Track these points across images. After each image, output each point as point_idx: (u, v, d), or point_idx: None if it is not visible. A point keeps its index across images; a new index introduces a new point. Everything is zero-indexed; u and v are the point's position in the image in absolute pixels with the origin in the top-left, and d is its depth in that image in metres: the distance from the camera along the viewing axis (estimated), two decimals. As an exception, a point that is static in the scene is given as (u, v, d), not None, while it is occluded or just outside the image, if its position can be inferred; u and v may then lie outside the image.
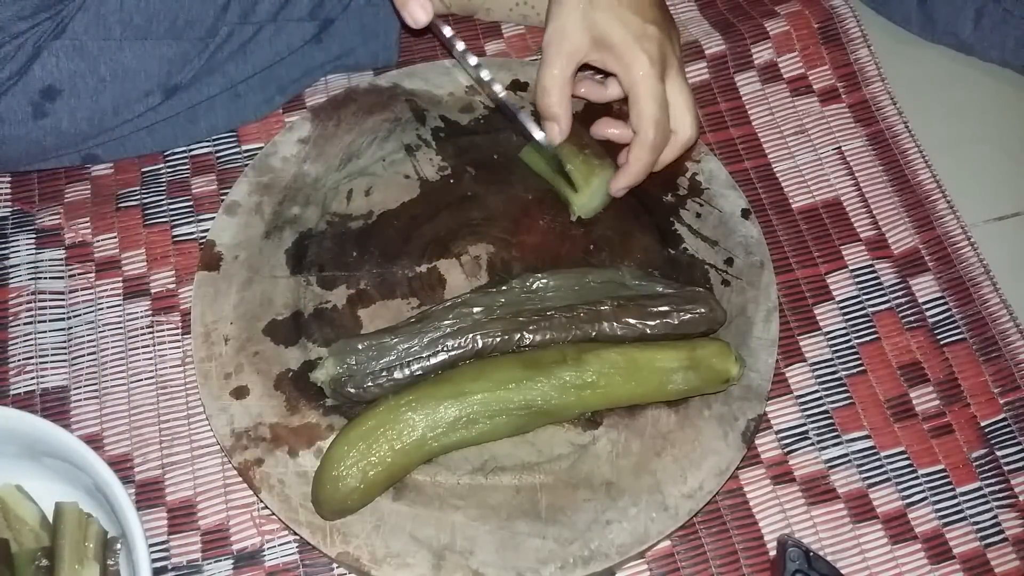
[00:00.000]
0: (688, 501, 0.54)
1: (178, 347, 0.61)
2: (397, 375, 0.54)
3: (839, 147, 0.71)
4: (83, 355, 0.61)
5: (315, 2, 0.64)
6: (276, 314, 0.59)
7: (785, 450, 0.59)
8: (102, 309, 0.62)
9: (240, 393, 0.56)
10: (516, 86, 0.69)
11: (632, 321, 0.56)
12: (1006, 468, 0.60)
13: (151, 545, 0.55)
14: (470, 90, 0.68)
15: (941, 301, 0.65)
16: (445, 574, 0.51)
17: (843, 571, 0.54)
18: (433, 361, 0.54)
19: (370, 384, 0.54)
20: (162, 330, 0.62)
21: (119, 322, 0.62)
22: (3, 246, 0.64)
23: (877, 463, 0.59)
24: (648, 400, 0.56)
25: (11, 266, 0.63)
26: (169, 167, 0.67)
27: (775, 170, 0.69)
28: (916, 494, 0.59)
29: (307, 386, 0.56)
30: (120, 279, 0.63)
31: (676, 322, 0.56)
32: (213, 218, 0.63)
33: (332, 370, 0.54)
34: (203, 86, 0.64)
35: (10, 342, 0.61)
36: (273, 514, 0.54)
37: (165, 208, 0.66)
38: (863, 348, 0.63)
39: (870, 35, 0.76)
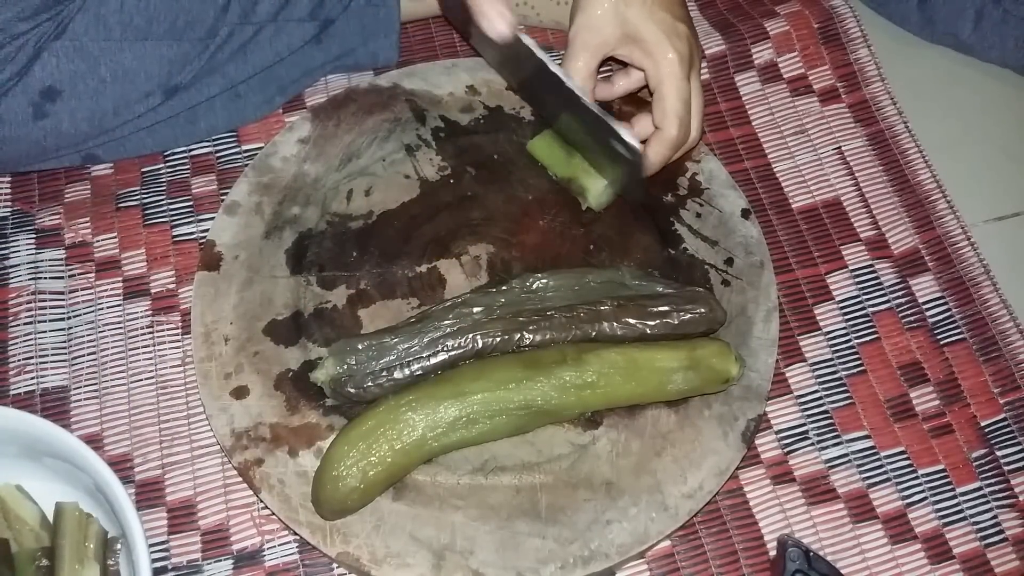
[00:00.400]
0: (688, 501, 0.54)
1: (178, 347, 0.61)
2: (397, 375, 0.54)
3: (839, 147, 0.71)
4: (83, 355, 0.61)
5: (315, 2, 0.64)
6: (276, 314, 0.59)
7: (785, 450, 0.59)
8: (102, 309, 0.62)
9: (240, 393, 0.56)
10: (516, 86, 0.69)
11: (632, 321, 0.56)
12: (1006, 468, 0.60)
13: (151, 545, 0.55)
14: (470, 90, 0.68)
15: (941, 301, 0.65)
16: (445, 574, 0.51)
17: (843, 571, 0.54)
18: (433, 361, 0.54)
19: (370, 384, 0.54)
20: (162, 330, 0.62)
21: (119, 322, 0.62)
22: (3, 246, 0.64)
23: (877, 463, 0.59)
24: (648, 400, 0.56)
25: (11, 266, 0.63)
26: (169, 167, 0.67)
27: (775, 170, 0.70)
28: (916, 494, 0.59)
29: (307, 386, 0.56)
30: (120, 279, 0.63)
31: (676, 322, 0.56)
32: (213, 218, 0.63)
33: (332, 370, 0.54)
34: (203, 86, 0.64)
35: (10, 342, 0.61)
36: (273, 514, 0.54)
37: (165, 208, 0.66)
38: (863, 348, 0.63)
39: (870, 35, 0.76)
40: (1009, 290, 0.66)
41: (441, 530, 0.53)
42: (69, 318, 0.62)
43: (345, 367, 0.54)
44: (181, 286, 0.63)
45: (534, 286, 0.57)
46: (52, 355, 0.61)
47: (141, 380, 0.60)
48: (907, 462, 0.60)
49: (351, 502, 0.50)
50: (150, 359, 0.61)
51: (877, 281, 0.65)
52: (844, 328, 0.64)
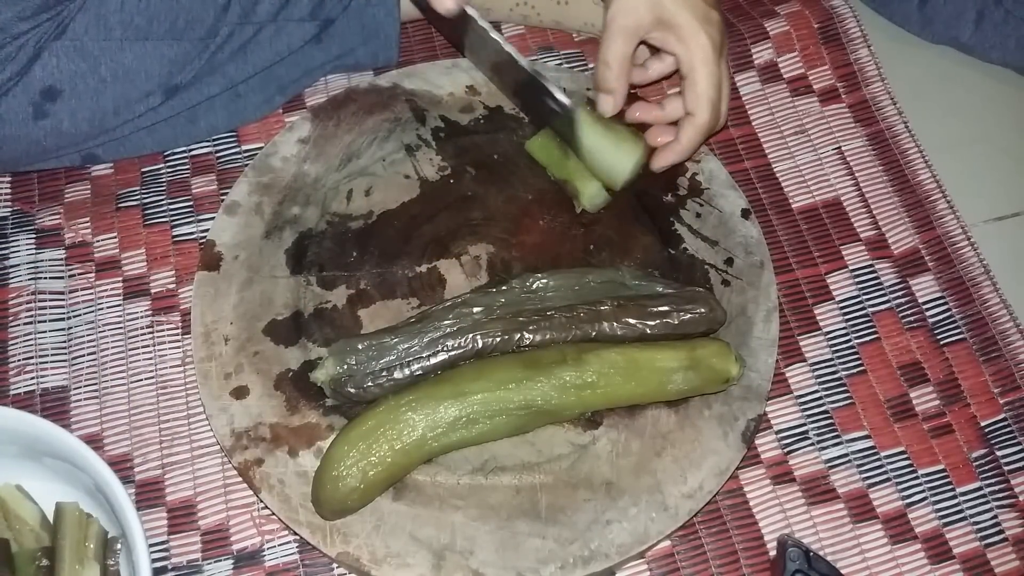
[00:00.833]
0: (688, 501, 0.54)
1: (178, 347, 0.61)
2: (397, 375, 0.54)
3: (839, 147, 0.71)
4: (83, 355, 0.61)
5: (315, 2, 0.64)
6: (276, 314, 0.59)
7: (785, 450, 0.59)
8: (102, 309, 0.62)
9: (240, 393, 0.56)
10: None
11: (632, 321, 0.56)
12: (1006, 468, 0.60)
13: (151, 545, 0.55)
14: (470, 90, 0.68)
15: (941, 301, 0.65)
16: (445, 574, 0.51)
17: (843, 571, 0.54)
18: (433, 361, 0.54)
19: (370, 384, 0.54)
20: (162, 330, 0.62)
21: (119, 322, 0.62)
22: (3, 246, 0.64)
23: (877, 463, 0.59)
24: (648, 400, 0.56)
25: (11, 266, 0.63)
26: (169, 167, 0.67)
27: (775, 170, 0.70)
28: (916, 494, 0.59)
29: (307, 386, 0.56)
30: (120, 279, 0.63)
31: (676, 322, 0.56)
32: (213, 218, 0.63)
33: (332, 370, 0.54)
34: (203, 86, 0.64)
35: (10, 342, 0.61)
36: (273, 514, 0.54)
37: (165, 208, 0.66)
38: (863, 348, 0.63)
39: (870, 35, 0.76)
40: (1009, 290, 0.66)
41: (441, 530, 0.53)
42: (69, 318, 0.62)
43: (345, 367, 0.54)
44: (181, 286, 0.63)
45: (534, 286, 0.57)
46: (52, 355, 0.61)
47: (141, 380, 0.60)
48: (907, 462, 0.60)
49: (351, 502, 0.50)
50: (150, 359, 0.61)
51: (877, 281, 0.65)
52: (844, 328, 0.64)
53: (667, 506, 0.54)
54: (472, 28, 0.62)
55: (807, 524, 0.57)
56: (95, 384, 0.60)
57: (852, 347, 0.63)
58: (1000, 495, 0.59)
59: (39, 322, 0.62)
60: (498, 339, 0.55)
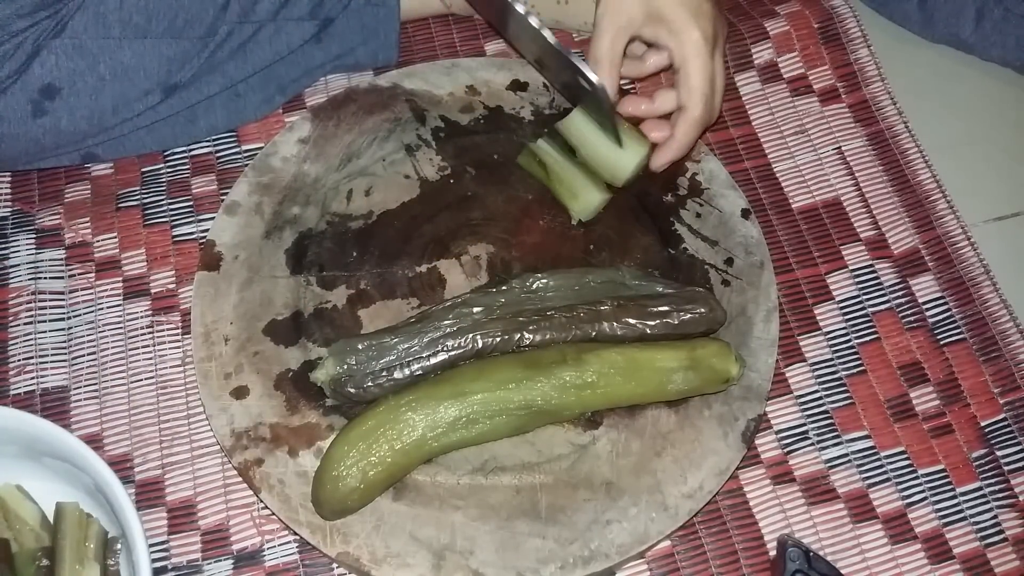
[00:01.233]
0: (688, 501, 0.54)
1: (178, 347, 0.61)
2: (397, 375, 0.54)
3: (839, 147, 0.71)
4: (83, 355, 0.61)
5: (315, 1, 0.64)
6: (276, 314, 0.59)
7: (785, 450, 0.59)
8: (102, 309, 0.62)
9: (240, 393, 0.56)
10: (516, 86, 0.69)
11: (632, 321, 0.56)
12: (1006, 468, 0.60)
13: (151, 545, 0.55)
14: (470, 90, 0.68)
15: (941, 301, 0.65)
16: (445, 574, 0.51)
17: (843, 571, 0.54)
18: (433, 361, 0.54)
19: (370, 384, 0.53)
20: (162, 330, 0.61)
21: (119, 322, 0.62)
22: (3, 246, 0.64)
23: (877, 463, 0.59)
24: (648, 400, 0.56)
25: (11, 266, 0.63)
26: (169, 167, 0.67)
27: (775, 170, 0.69)
28: (916, 494, 0.59)
29: (307, 386, 0.56)
30: (120, 279, 0.63)
31: (676, 322, 0.56)
32: (213, 218, 0.63)
33: (332, 370, 0.54)
34: (203, 85, 0.64)
35: (10, 342, 0.61)
36: (273, 514, 0.54)
37: (165, 208, 0.66)
38: (863, 348, 0.63)
39: (870, 35, 0.76)
40: (1009, 290, 0.66)
41: (441, 530, 0.53)
42: (69, 318, 0.62)
43: (345, 367, 0.54)
44: (181, 286, 0.63)
45: (534, 286, 0.57)
46: (52, 355, 0.61)
47: (141, 380, 0.60)
48: (907, 462, 0.60)
49: (351, 502, 0.50)
50: (150, 359, 0.61)
51: (877, 281, 0.65)
52: (844, 328, 0.64)
53: (667, 506, 0.54)
54: (509, 11, 0.62)
55: (807, 524, 0.57)
56: (95, 384, 0.60)
57: (852, 347, 0.63)
58: (1000, 495, 0.59)
59: (39, 322, 0.62)
60: (498, 339, 0.55)
